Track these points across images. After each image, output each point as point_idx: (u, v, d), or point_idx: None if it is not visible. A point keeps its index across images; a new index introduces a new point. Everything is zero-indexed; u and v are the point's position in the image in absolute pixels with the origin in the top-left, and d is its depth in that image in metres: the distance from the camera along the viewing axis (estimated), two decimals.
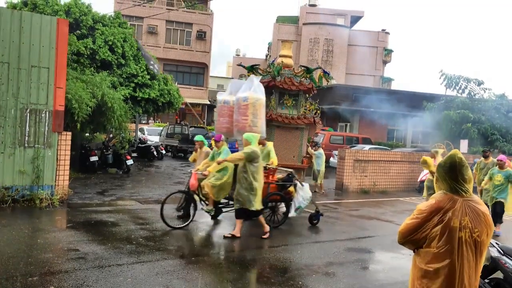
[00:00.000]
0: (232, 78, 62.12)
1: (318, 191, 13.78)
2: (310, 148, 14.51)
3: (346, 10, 46.98)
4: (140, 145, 20.43)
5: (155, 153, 20.07)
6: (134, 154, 17.82)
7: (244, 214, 7.31)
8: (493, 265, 4.70)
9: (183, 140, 22.87)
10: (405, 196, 14.80)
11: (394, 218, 10.58)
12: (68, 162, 9.53)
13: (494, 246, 4.83)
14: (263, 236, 7.41)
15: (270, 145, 9.74)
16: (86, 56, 14.87)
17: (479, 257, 2.77)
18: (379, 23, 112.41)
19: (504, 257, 4.70)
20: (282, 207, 8.73)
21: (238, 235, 7.31)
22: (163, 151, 21.41)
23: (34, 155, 8.90)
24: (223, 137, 8.36)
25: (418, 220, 2.80)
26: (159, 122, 35.07)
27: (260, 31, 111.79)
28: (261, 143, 9.48)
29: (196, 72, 41.14)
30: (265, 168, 8.86)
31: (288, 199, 8.52)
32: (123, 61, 16.33)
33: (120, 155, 14.48)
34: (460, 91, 22.51)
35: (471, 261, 2.73)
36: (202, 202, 8.25)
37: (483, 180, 10.15)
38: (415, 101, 25.63)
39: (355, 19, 48.00)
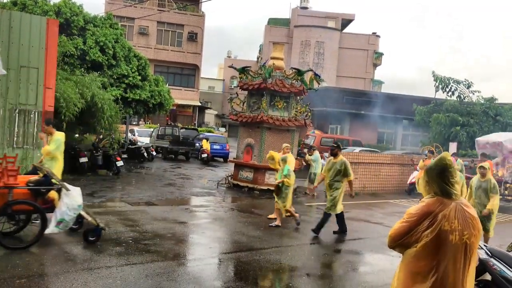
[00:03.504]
0: (224, 80, 62.31)
1: (309, 193, 13.83)
2: (307, 155, 14.48)
3: (337, 13, 47.28)
4: (130, 146, 20.30)
5: (145, 154, 19.96)
6: (124, 156, 17.66)
7: None
8: (481, 267, 4.75)
9: (174, 141, 22.79)
10: (394, 198, 14.89)
11: (384, 220, 10.64)
12: None
13: (482, 248, 4.88)
14: None
15: (59, 135, 7.20)
16: (76, 56, 14.79)
17: (470, 260, 2.75)
18: (370, 27, 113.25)
19: (492, 259, 4.75)
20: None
21: None
22: (154, 153, 21.30)
23: (23, 156, 8.80)
24: None
25: (408, 224, 2.77)
26: (149, 123, 34.93)
27: (252, 33, 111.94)
28: (49, 132, 7.24)
29: (187, 73, 41.05)
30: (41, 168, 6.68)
31: (44, 209, 6.14)
32: (114, 62, 16.25)
33: (110, 156, 14.37)
34: (450, 93, 22.78)
35: (462, 264, 2.71)
36: None
37: (332, 183, 8.44)
38: (405, 104, 25.86)
39: (346, 22, 48.33)
